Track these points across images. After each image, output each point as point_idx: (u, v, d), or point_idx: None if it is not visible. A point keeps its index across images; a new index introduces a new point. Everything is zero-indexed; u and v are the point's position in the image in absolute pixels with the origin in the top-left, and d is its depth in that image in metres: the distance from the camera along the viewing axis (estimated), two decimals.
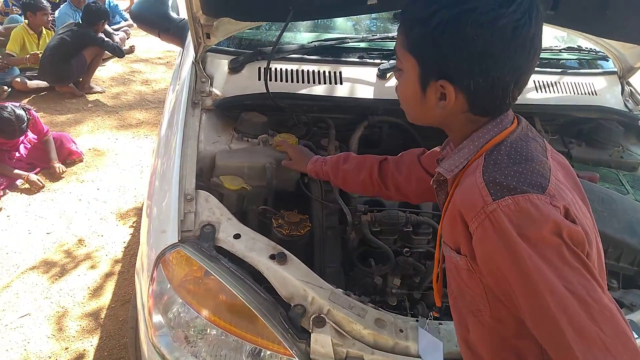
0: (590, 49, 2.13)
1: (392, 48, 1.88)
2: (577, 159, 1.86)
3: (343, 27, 2.01)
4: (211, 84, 1.73)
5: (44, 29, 4.79)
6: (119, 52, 4.83)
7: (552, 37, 2.26)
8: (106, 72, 5.21)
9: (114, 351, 2.11)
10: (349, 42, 1.81)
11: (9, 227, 2.86)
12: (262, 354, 1.14)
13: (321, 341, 1.11)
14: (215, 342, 1.17)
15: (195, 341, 1.17)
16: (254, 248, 1.25)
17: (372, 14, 2.03)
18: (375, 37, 1.83)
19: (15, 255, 2.64)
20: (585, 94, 1.96)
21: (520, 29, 0.75)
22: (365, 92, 1.74)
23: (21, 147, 3.37)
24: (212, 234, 1.27)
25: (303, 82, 1.73)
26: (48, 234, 2.83)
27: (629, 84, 2.07)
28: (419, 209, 1.53)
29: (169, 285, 1.22)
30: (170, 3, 2.08)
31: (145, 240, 1.42)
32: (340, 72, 1.75)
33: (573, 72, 2.04)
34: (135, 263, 2.60)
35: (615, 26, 1.65)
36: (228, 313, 1.16)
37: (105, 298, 2.40)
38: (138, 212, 3.08)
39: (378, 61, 1.80)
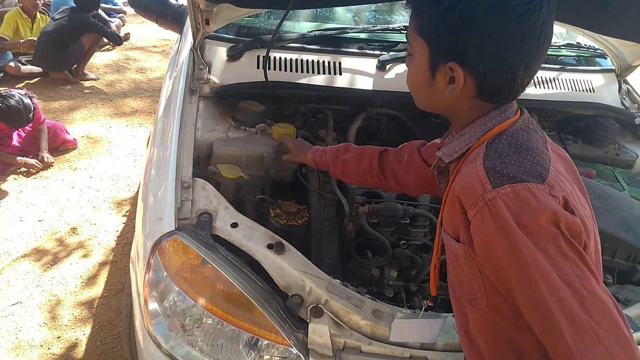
0: (589, 46, 2.13)
1: (392, 40, 1.91)
2: (574, 156, 1.86)
3: (343, 17, 2.00)
4: (209, 71, 1.71)
5: (38, 13, 4.72)
6: (117, 39, 4.78)
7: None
8: (101, 59, 5.15)
9: (106, 340, 2.09)
10: (349, 33, 1.79)
11: (0, 214, 2.83)
12: (259, 343, 1.13)
13: (319, 331, 1.11)
14: (212, 331, 1.16)
15: (191, 330, 1.17)
16: (252, 237, 1.24)
17: (372, 5, 2.02)
18: (375, 28, 1.82)
19: (6, 242, 2.61)
20: (582, 91, 1.96)
21: (530, 12, 0.75)
22: (365, 83, 1.73)
23: (14, 134, 3.32)
24: (209, 223, 1.26)
25: (302, 71, 1.72)
26: (40, 221, 2.80)
27: (626, 82, 2.07)
28: (416, 201, 1.53)
29: (165, 273, 1.21)
30: None
31: (140, 228, 1.40)
32: (339, 63, 1.74)
33: (571, 69, 2.04)
34: (128, 252, 2.60)
35: (615, 23, 1.65)
36: (225, 302, 1.15)
37: (98, 287, 2.38)
38: (131, 200, 3.05)
39: (378, 52, 1.79)
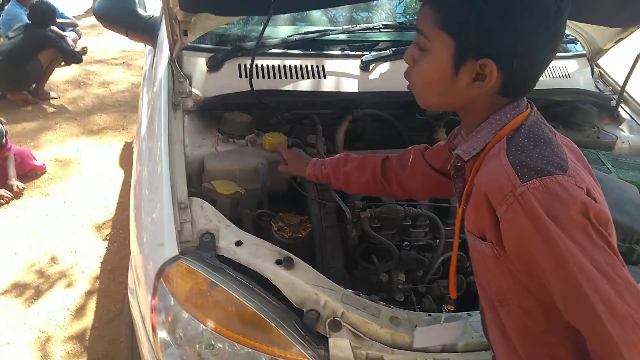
0: None
1: (373, 39, 1.89)
2: None
3: (321, 19, 1.97)
4: (190, 84, 1.66)
5: None
6: (78, 57, 4.61)
7: None
8: (60, 75, 4.96)
9: None
10: (329, 35, 1.76)
11: None
12: None
13: (339, 345, 1.08)
14: (229, 356, 1.12)
15: (208, 357, 1.12)
16: (258, 254, 1.20)
17: (350, 6, 2.00)
18: (355, 28, 1.80)
19: None
20: (558, 77, 1.99)
21: (561, 12, 0.76)
22: (349, 85, 1.71)
23: None
24: (212, 243, 1.22)
25: (286, 77, 1.68)
26: (16, 254, 2.66)
27: (598, 65, 2.12)
28: (415, 201, 1.52)
29: (173, 302, 1.16)
30: (137, 0, 1.98)
31: (138, 255, 1.35)
32: (323, 66, 1.71)
33: None
34: (115, 278, 2.51)
35: (585, 9, 1.68)
36: (240, 324, 1.12)
37: (88, 318, 2.29)
38: (111, 223, 2.95)
39: (360, 53, 1.77)
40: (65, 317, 2.29)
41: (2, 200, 3.04)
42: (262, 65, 1.68)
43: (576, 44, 2.20)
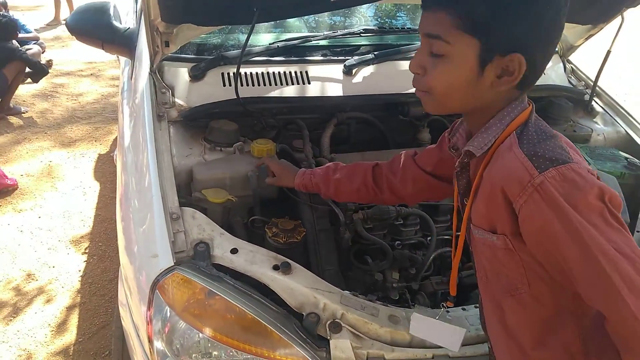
0: None
1: (355, 44, 1.92)
2: None
3: (301, 25, 1.99)
4: (173, 94, 1.65)
5: None
6: (45, 69, 4.49)
7: None
8: (26, 89, 4.82)
9: None
10: (311, 41, 1.78)
11: None
12: None
13: (341, 346, 1.10)
14: None
15: None
16: (255, 261, 1.20)
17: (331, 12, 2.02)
18: (337, 33, 1.82)
19: None
20: None
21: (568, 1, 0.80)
22: (333, 90, 1.73)
23: None
24: (207, 252, 1.21)
25: (270, 84, 1.69)
26: None
27: (569, 61, 2.19)
28: None
29: (169, 313, 1.15)
30: (112, 12, 1.95)
31: (129, 267, 1.33)
32: (306, 72, 1.73)
33: None
34: (96, 292, 2.47)
35: None
36: (240, 331, 1.11)
37: (70, 333, 2.23)
38: (89, 236, 2.89)
39: (342, 57, 1.79)
40: (46, 333, 2.23)
41: None
42: (246, 73, 1.68)
43: None
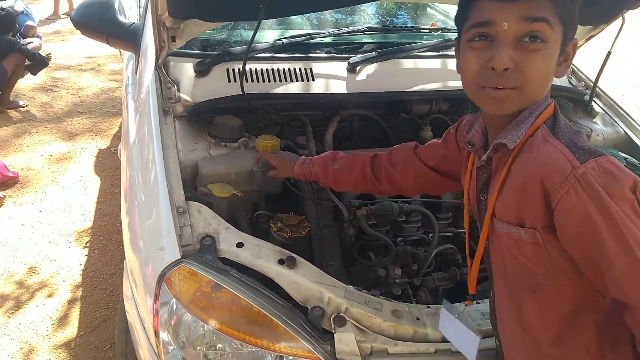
0: None
1: (359, 41, 1.93)
2: None
3: (306, 23, 2.00)
4: (178, 89, 1.66)
5: None
6: (44, 61, 4.49)
7: None
8: (26, 83, 4.82)
9: None
10: (316, 38, 1.79)
11: None
12: None
13: (345, 340, 1.11)
14: (236, 356, 1.14)
15: (215, 358, 1.13)
16: (261, 255, 1.22)
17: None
18: (341, 31, 1.83)
19: None
20: None
21: None
22: (337, 87, 1.74)
23: None
24: (213, 246, 1.23)
25: (275, 81, 1.70)
26: None
27: None
28: (407, 197, 1.56)
29: (176, 305, 1.17)
30: (117, 7, 1.95)
31: (135, 260, 1.34)
32: (311, 69, 1.74)
33: None
34: (98, 285, 2.48)
35: None
36: (246, 324, 1.13)
37: (72, 326, 2.25)
38: (90, 230, 2.90)
39: (346, 55, 1.81)
40: (48, 326, 2.25)
41: None
42: (250, 69, 1.70)
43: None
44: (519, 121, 0.87)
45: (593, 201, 0.75)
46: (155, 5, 1.44)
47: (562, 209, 0.78)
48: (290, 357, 1.12)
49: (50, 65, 5.10)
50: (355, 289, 1.21)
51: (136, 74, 1.90)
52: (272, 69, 1.72)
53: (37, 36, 5.51)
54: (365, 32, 1.86)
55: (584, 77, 2.16)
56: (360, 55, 1.79)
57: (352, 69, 1.77)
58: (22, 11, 5.38)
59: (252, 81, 1.69)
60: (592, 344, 0.86)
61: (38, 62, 4.51)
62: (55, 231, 2.88)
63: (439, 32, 2.03)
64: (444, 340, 1.16)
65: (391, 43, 1.93)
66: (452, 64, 1.88)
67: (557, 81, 2.13)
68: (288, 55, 1.76)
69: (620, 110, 2.02)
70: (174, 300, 1.17)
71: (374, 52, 1.80)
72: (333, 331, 1.12)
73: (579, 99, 2.04)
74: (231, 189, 1.42)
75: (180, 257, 1.18)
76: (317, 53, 1.81)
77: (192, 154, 1.53)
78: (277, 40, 1.78)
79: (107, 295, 2.44)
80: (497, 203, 0.90)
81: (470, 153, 1.02)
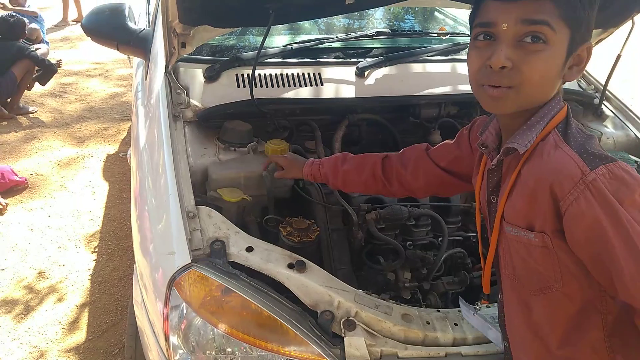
0: None
1: (367, 46, 1.94)
2: None
3: (315, 28, 2.01)
4: (188, 95, 1.67)
5: None
6: (53, 67, 4.54)
7: None
8: (35, 89, 4.85)
9: None
10: (325, 43, 1.80)
11: None
12: None
13: (355, 344, 1.11)
14: None
15: None
16: (270, 259, 1.22)
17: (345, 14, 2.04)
18: (349, 36, 1.84)
19: None
20: None
21: None
22: (346, 92, 1.75)
23: None
24: (223, 250, 1.23)
25: (284, 85, 1.71)
26: (2, 270, 2.61)
27: None
28: (417, 201, 1.56)
29: (186, 309, 1.17)
30: (127, 13, 1.97)
31: (145, 264, 1.35)
32: (319, 74, 1.75)
33: None
34: (106, 290, 2.49)
35: None
36: (256, 328, 1.13)
37: (81, 331, 2.26)
38: (99, 235, 2.91)
39: (355, 60, 1.82)
40: (57, 331, 2.26)
41: None
42: (260, 74, 1.71)
43: None
44: (530, 125, 0.87)
45: (602, 207, 0.75)
46: (166, 12, 1.45)
47: (571, 214, 0.78)
48: None
49: (59, 71, 5.16)
50: (364, 293, 1.21)
51: (146, 79, 1.91)
52: (281, 74, 1.73)
53: (44, 41, 5.58)
54: (374, 37, 1.86)
55: (593, 80, 2.15)
56: (368, 59, 1.80)
57: (360, 73, 1.77)
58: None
59: (261, 86, 1.70)
60: (600, 344, 0.86)
61: (47, 69, 4.55)
62: (64, 236, 2.90)
63: (447, 37, 2.03)
64: (454, 344, 1.16)
65: (399, 47, 1.93)
66: (460, 68, 1.88)
67: (566, 84, 2.12)
68: (297, 61, 1.77)
69: (631, 113, 2.01)
70: (184, 304, 1.17)
71: (382, 57, 1.80)
72: (343, 335, 1.11)
73: (589, 102, 2.03)
74: (241, 193, 1.43)
75: (190, 261, 1.18)
76: (326, 58, 1.82)
77: (201, 158, 1.54)
78: (286, 45, 1.79)
79: (115, 299, 2.45)
80: (506, 206, 0.90)
81: (483, 154, 1.02)
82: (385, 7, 2.16)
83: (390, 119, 1.85)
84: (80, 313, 2.36)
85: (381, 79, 1.79)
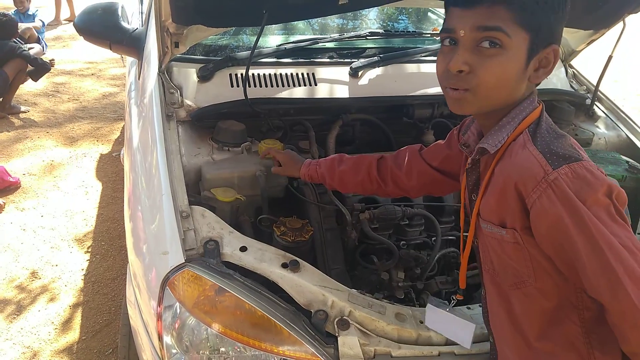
0: None
1: (361, 46, 1.94)
2: None
3: (308, 28, 2.01)
4: (181, 95, 1.67)
5: None
6: (46, 66, 4.50)
7: None
8: (27, 88, 4.83)
9: None
10: (318, 43, 1.81)
11: None
12: None
13: (349, 343, 1.11)
14: (240, 359, 1.14)
15: None
16: (264, 259, 1.22)
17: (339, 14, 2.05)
18: (343, 36, 1.85)
19: None
20: None
21: None
22: (340, 92, 1.75)
23: None
24: (216, 250, 1.23)
25: (277, 85, 1.71)
26: None
27: (571, 66, 2.22)
28: (410, 201, 1.57)
29: (180, 309, 1.17)
30: (120, 13, 1.97)
31: (138, 264, 1.35)
32: (313, 74, 1.75)
33: None
34: (99, 290, 2.48)
35: None
36: (250, 327, 1.13)
37: (74, 331, 2.25)
38: (92, 235, 2.90)
39: (348, 60, 1.82)
40: (50, 331, 2.24)
41: None
42: (253, 74, 1.71)
43: None
44: (501, 126, 0.90)
45: (564, 206, 0.78)
46: (159, 12, 1.45)
47: (535, 212, 0.81)
48: None
49: (51, 70, 5.12)
50: (358, 292, 1.21)
51: (139, 79, 1.91)
52: (275, 74, 1.73)
53: (41, 42, 5.55)
54: (368, 37, 1.87)
55: (585, 81, 2.17)
56: (362, 60, 1.80)
57: (354, 73, 1.78)
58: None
59: (255, 86, 1.70)
60: (578, 340, 0.88)
61: (40, 68, 4.52)
62: (57, 236, 2.88)
63: None
64: (448, 343, 1.16)
65: (393, 48, 1.94)
66: None
67: (558, 85, 2.14)
68: (290, 60, 1.77)
69: (622, 114, 2.02)
70: (177, 304, 1.17)
71: (376, 57, 1.81)
72: (337, 334, 1.12)
73: (581, 103, 2.05)
74: (234, 193, 1.43)
75: (184, 261, 1.18)
76: (320, 58, 1.82)
77: (195, 158, 1.53)
78: (280, 45, 1.79)
79: (108, 300, 2.44)
80: (481, 204, 0.94)
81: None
82: (379, 7, 2.16)
83: (384, 119, 1.86)
84: (73, 313, 2.35)
85: (375, 79, 1.79)
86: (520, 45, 0.84)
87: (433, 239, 1.52)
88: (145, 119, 1.65)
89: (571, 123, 2.01)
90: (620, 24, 1.82)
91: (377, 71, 1.81)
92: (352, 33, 1.87)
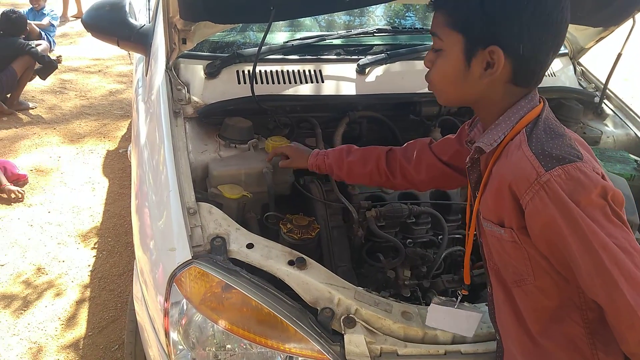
0: None
1: (368, 43, 1.93)
2: None
3: (316, 25, 2.01)
4: (188, 91, 1.66)
5: None
6: (53, 63, 4.53)
7: None
8: (35, 85, 4.85)
9: None
10: (326, 40, 1.80)
11: None
12: None
13: (355, 341, 1.11)
14: (246, 356, 1.14)
15: (225, 358, 1.14)
16: (271, 256, 1.22)
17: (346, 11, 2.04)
18: (350, 33, 1.84)
19: None
20: (545, 75, 2.07)
21: (561, 6, 0.82)
22: (347, 89, 1.75)
23: None
24: (223, 247, 1.23)
25: (285, 82, 1.71)
26: (2, 265, 2.61)
27: (579, 64, 2.21)
28: (418, 199, 1.56)
29: (187, 305, 1.17)
30: (127, 9, 1.97)
31: (145, 260, 1.35)
32: (320, 71, 1.74)
33: None
34: (106, 286, 2.49)
35: (571, 10, 1.76)
36: (256, 324, 1.13)
37: (80, 327, 2.26)
38: (98, 232, 2.91)
39: (355, 57, 1.81)
40: (56, 327, 2.26)
41: (13, 198, 3.11)
42: (260, 70, 1.70)
43: None
44: (497, 125, 0.91)
45: (557, 207, 0.77)
46: (166, 8, 1.45)
47: (529, 213, 0.81)
48: (300, 358, 1.12)
49: (59, 67, 5.15)
50: (364, 290, 1.21)
51: (146, 75, 1.91)
52: (282, 71, 1.72)
53: (49, 40, 5.58)
54: (375, 34, 1.86)
55: (594, 78, 2.15)
56: (369, 57, 1.79)
57: (361, 70, 1.77)
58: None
59: (262, 83, 1.69)
60: (582, 341, 0.88)
61: (47, 65, 4.54)
62: (64, 232, 2.90)
63: None
64: (454, 342, 1.16)
65: (400, 45, 1.93)
66: None
67: (566, 82, 2.13)
68: (298, 57, 1.77)
69: (631, 112, 2.01)
70: (184, 300, 1.17)
71: (383, 54, 1.80)
72: (343, 332, 1.12)
73: (589, 101, 2.03)
74: (241, 190, 1.43)
75: (190, 257, 1.18)
76: (327, 55, 1.81)
77: (202, 155, 1.53)
78: (287, 42, 1.79)
79: (115, 296, 2.45)
80: (481, 202, 0.94)
81: None
82: (386, 4, 2.15)
83: (391, 116, 1.85)
84: (79, 309, 2.36)
85: (382, 76, 1.78)
86: (454, 46, 0.89)
87: (440, 237, 1.51)
88: (152, 116, 1.65)
89: (579, 121, 1.99)
90: (630, 22, 1.80)
91: (384, 68, 1.80)
92: (359, 30, 1.85)
